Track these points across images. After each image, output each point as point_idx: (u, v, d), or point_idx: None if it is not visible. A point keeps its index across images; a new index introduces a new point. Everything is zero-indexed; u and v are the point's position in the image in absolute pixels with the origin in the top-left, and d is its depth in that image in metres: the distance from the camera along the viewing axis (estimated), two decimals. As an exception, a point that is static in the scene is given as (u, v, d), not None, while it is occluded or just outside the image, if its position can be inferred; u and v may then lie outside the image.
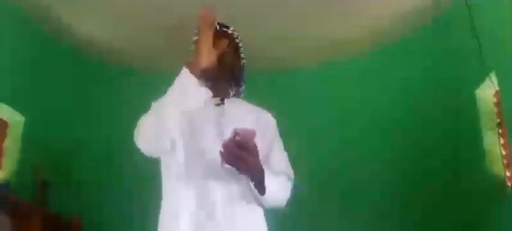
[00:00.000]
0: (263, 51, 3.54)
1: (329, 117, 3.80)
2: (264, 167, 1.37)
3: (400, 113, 3.56)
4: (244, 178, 1.38)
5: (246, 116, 1.54)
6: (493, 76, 2.73)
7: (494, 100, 2.91)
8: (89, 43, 3.78)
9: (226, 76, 1.56)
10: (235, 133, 1.26)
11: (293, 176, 1.53)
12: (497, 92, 2.81)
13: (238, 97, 1.65)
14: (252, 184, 1.37)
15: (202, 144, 1.44)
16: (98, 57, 3.88)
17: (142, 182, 3.71)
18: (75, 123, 3.71)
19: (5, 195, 2.82)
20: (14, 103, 3.22)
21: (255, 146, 1.30)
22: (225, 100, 1.56)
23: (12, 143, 3.27)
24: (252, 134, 1.27)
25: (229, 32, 1.59)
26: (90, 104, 3.86)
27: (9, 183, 3.04)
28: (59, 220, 3.14)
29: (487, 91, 2.92)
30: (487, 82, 2.80)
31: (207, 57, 1.39)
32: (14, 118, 3.30)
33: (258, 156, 1.32)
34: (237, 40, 1.60)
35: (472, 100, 3.00)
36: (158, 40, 3.66)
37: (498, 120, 2.84)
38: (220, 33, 1.53)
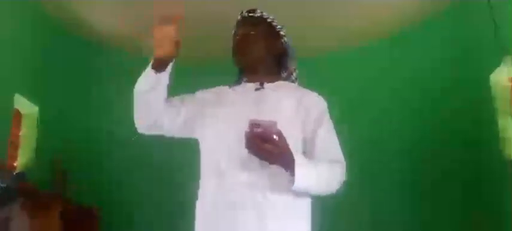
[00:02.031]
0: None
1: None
2: (302, 151, 1.33)
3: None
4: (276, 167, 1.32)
5: (285, 99, 1.47)
6: (508, 60, 2.71)
7: (510, 84, 2.88)
8: (104, 33, 3.77)
9: (263, 61, 1.52)
10: (254, 125, 1.21)
11: (344, 162, 1.44)
12: (512, 76, 2.79)
13: (291, 81, 1.58)
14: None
15: (237, 133, 1.34)
16: (114, 46, 3.87)
17: (160, 171, 3.73)
18: (92, 113, 3.72)
19: (21, 184, 2.84)
20: (29, 94, 3.22)
21: (281, 136, 1.24)
22: (270, 84, 1.50)
23: (28, 133, 3.28)
24: (273, 124, 1.22)
25: (257, 15, 1.53)
26: (107, 93, 3.85)
27: (26, 173, 3.06)
28: (78, 210, 3.15)
29: (502, 76, 2.89)
30: (502, 66, 2.78)
31: (160, 48, 1.41)
32: (29, 108, 3.31)
33: (285, 146, 1.26)
34: (268, 21, 1.54)
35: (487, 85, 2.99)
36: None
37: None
38: (247, 20, 1.52)
